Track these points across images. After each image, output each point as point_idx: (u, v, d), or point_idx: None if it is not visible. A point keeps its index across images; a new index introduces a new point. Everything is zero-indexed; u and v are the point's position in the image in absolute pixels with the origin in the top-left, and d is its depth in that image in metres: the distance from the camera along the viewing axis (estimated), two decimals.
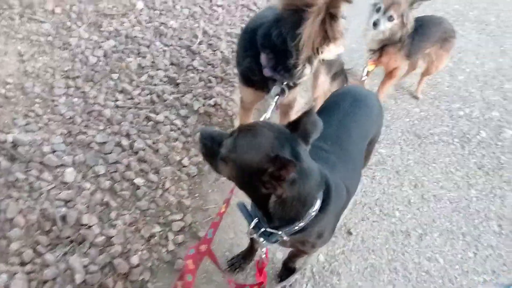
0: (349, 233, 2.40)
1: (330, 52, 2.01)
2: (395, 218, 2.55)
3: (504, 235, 2.54)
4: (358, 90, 2.07)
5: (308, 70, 2.01)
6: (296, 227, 1.29)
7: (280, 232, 1.32)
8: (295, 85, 2.20)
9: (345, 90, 2.10)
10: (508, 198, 2.77)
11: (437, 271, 2.29)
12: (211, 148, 1.26)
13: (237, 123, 2.69)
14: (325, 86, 2.82)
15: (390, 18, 2.67)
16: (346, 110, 1.79)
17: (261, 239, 1.41)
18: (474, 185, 2.84)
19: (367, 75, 3.10)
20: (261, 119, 2.12)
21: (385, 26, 2.70)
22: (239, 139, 1.19)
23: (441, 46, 3.13)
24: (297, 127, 1.23)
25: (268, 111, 2.13)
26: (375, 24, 2.68)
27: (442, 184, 2.82)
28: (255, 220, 1.40)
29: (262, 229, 1.38)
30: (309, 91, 2.98)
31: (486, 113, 3.53)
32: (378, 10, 2.69)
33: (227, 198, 1.87)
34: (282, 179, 1.09)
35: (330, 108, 1.87)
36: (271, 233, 1.35)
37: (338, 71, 3.06)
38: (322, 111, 1.89)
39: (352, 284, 2.17)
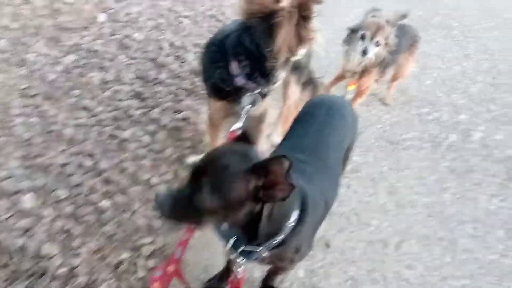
0: (328, 245, 2.35)
1: (301, 52, 2.02)
2: (373, 226, 2.52)
3: (479, 237, 2.54)
4: (332, 99, 2.05)
5: (284, 74, 2.00)
6: (276, 241, 1.27)
7: (260, 249, 1.29)
8: (266, 94, 2.16)
9: (319, 100, 2.07)
10: (480, 201, 2.79)
11: (416, 279, 2.26)
12: (182, 210, 1.13)
13: (207, 140, 2.60)
14: (296, 95, 2.78)
15: (377, 44, 2.71)
16: (321, 120, 1.76)
17: (240, 258, 1.37)
18: (447, 189, 2.86)
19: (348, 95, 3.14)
20: (233, 128, 2.06)
21: (373, 52, 2.72)
22: (214, 179, 1.08)
23: (409, 53, 3.17)
24: (247, 139, 1.20)
25: (240, 120, 2.07)
26: (364, 53, 2.70)
27: (416, 189, 2.82)
28: (232, 240, 1.34)
29: (241, 248, 1.33)
30: (280, 101, 2.94)
31: (454, 116, 3.58)
32: (363, 37, 2.70)
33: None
34: (280, 182, 1.06)
35: (305, 118, 1.84)
36: (251, 251, 1.31)
37: (308, 80, 3.03)
38: (297, 122, 1.86)
39: None
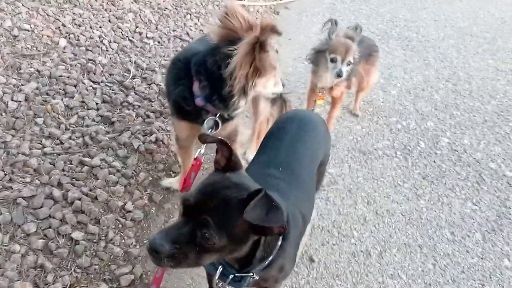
0: (311, 260, 2.31)
1: (265, 87, 2.01)
2: (354, 238, 2.51)
3: (457, 241, 2.58)
4: (304, 114, 2.06)
5: (243, 102, 1.96)
6: (266, 262, 1.25)
7: (252, 274, 1.27)
8: (231, 117, 2.13)
9: (290, 115, 2.07)
10: (455, 205, 2.85)
11: None
12: (182, 250, 1.04)
13: (181, 160, 2.54)
14: (266, 112, 2.77)
15: (348, 63, 2.77)
16: (293, 134, 1.76)
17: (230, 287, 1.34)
18: (422, 195, 2.90)
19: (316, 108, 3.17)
20: (196, 154, 2.04)
21: (346, 72, 2.80)
22: (218, 216, 1.02)
23: (366, 61, 3.24)
24: (231, 165, 1.15)
25: (203, 146, 2.04)
26: (339, 75, 2.76)
27: (392, 197, 2.85)
28: (220, 268, 1.30)
29: (231, 276, 1.29)
30: (251, 118, 2.92)
31: (422, 124, 3.68)
32: (333, 60, 2.75)
33: None
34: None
35: (277, 133, 1.83)
36: (242, 277, 1.29)
37: (276, 96, 3.04)
38: (269, 137, 1.85)
39: None
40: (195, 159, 2.02)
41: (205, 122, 2.05)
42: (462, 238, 2.61)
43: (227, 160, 1.15)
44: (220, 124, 2.06)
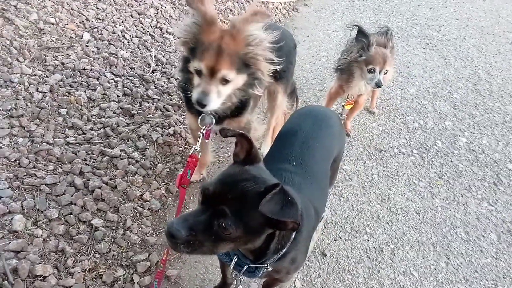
0: (324, 254, 2.34)
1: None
2: (367, 234, 2.52)
3: (472, 241, 2.57)
4: (319, 110, 2.07)
5: (218, 101, 1.92)
6: (280, 254, 1.28)
7: (266, 265, 1.30)
8: (239, 113, 2.16)
9: (305, 110, 2.09)
10: (471, 205, 2.83)
11: (412, 285, 2.27)
12: (199, 237, 1.07)
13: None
14: (284, 106, 2.80)
15: (386, 72, 2.81)
16: (308, 130, 1.77)
17: (244, 277, 1.40)
18: (437, 194, 2.89)
19: (345, 114, 3.21)
20: (191, 151, 2.07)
21: (384, 81, 2.84)
22: (236, 207, 1.05)
23: None
24: (250, 158, 1.18)
25: (198, 143, 2.09)
26: (378, 85, 2.79)
27: (407, 196, 2.84)
28: (235, 259, 1.34)
29: (246, 267, 1.33)
30: (267, 113, 2.95)
31: (440, 123, 3.65)
32: (371, 71, 2.77)
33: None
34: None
35: (292, 129, 1.85)
36: (256, 268, 1.32)
37: (293, 90, 3.07)
38: (284, 132, 1.88)
39: None
40: (190, 156, 2.05)
41: (200, 117, 2.10)
42: (477, 238, 2.59)
43: (246, 153, 1.17)
44: (213, 121, 2.09)
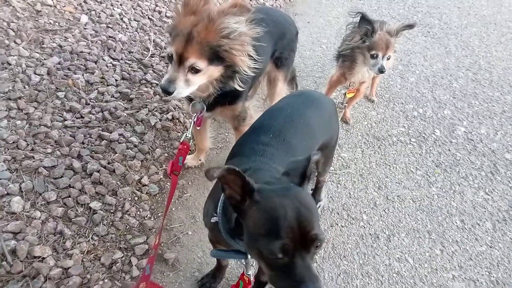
0: None
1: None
2: (363, 221, 2.54)
3: (467, 229, 2.59)
4: (312, 93, 2.07)
5: (188, 90, 1.89)
6: None
7: None
8: (232, 102, 2.15)
9: (299, 92, 2.08)
10: (467, 194, 2.85)
11: (407, 271, 2.29)
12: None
13: (196, 138, 2.60)
14: (283, 94, 2.80)
15: (388, 58, 2.79)
16: (295, 108, 1.76)
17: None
18: (434, 183, 2.90)
19: (346, 102, 3.18)
20: (182, 138, 2.06)
21: (387, 67, 2.82)
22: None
23: None
24: (249, 190, 1.14)
25: (189, 130, 2.09)
26: (381, 71, 2.77)
27: (404, 184, 2.86)
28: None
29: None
30: (266, 100, 2.95)
31: (439, 112, 3.65)
32: (374, 56, 2.74)
33: (159, 228, 1.84)
34: None
35: (280, 106, 1.85)
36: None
37: (292, 78, 3.07)
38: (273, 108, 1.87)
39: None
40: (181, 143, 2.03)
41: (191, 104, 2.08)
42: (472, 227, 2.62)
43: (241, 188, 1.07)
44: (204, 108, 2.07)
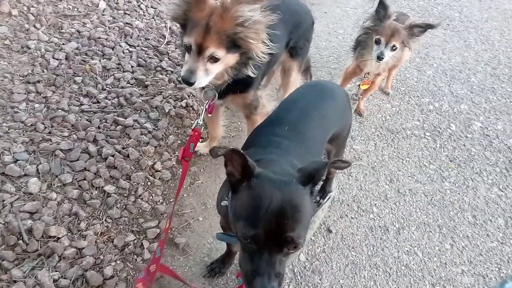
0: (329, 231, 2.37)
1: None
2: (373, 213, 2.54)
3: (478, 225, 2.58)
4: (326, 84, 2.08)
5: (207, 79, 1.90)
6: None
7: None
8: (244, 90, 2.15)
9: (313, 83, 2.08)
10: (480, 189, 2.82)
11: (416, 264, 2.30)
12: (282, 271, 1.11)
13: (209, 126, 2.63)
14: (297, 84, 2.79)
15: (393, 48, 2.69)
16: (309, 100, 1.77)
17: None
18: (447, 177, 2.88)
19: (360, 94, 3.15)
20: (194, 125, 2.09)
21: (389, 57, 2.73)
22: None
23: None
24: (249, 172, 1.16)
25: (200, 117, 2.11)
26: (379, 58, 2.69)
27: (416, 177, 2.84)
28: None
29: None
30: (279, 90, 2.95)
31: (455, 106, 3.60)
32: (378, 42, 2.69)
33: (170, 213, 1.89)
34: None
35: (294, 97, 1.86)
36: None
37: (307, 68, 3.05)
38: (287, 100, 1.88)
39: (334, 282, 2.13)
40: (193, 130, 2.06)
41: (203, 91, 2.10)
42: (484, 222, 2.60)
43: (242, 168, 1.12)
44: (216, 95, 2.09)
